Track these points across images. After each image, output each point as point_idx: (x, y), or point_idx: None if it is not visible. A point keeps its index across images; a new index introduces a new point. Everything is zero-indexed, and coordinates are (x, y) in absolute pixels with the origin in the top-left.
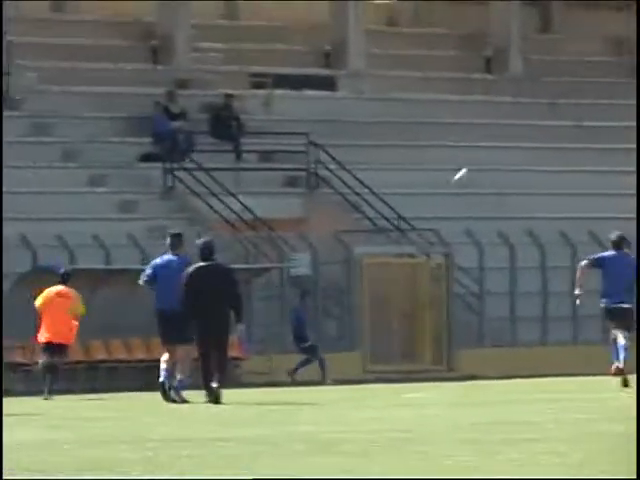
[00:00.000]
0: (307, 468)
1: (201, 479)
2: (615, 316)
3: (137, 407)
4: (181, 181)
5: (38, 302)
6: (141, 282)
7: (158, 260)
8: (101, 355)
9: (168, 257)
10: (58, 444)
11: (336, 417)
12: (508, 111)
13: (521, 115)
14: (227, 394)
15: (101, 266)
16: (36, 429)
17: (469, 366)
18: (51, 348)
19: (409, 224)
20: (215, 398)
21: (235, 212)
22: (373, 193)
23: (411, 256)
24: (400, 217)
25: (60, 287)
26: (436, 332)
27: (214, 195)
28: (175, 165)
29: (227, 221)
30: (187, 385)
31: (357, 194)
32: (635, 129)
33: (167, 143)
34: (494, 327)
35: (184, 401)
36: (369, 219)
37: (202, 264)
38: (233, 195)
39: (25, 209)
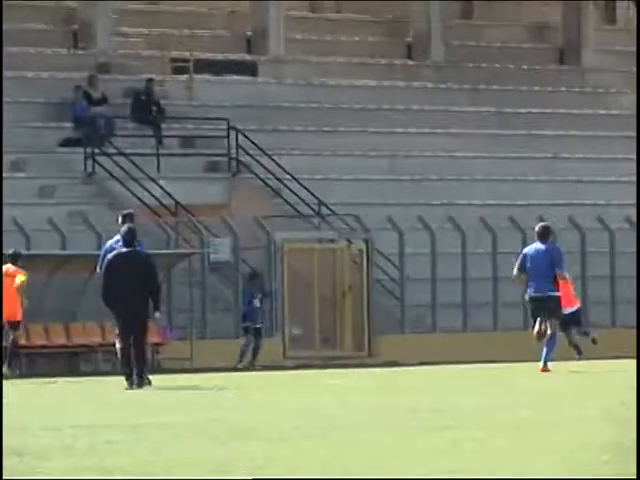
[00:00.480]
0: (227, 454)
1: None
2: (538, 306)
3: (75, 392)
4: (102, 166)
5: None
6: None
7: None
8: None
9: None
10: None
11: (257, 403)
12: (430, 97)
13: (442, 101)
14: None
15: (22, 251)
16: None
17: (390, 352)
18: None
19: (330, 210)
20: (138, 387)
21: (156, 197)
22: (294, 179)
23: (332, 241)
24: (321, 202)
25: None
26: (357, 318)
27: (135, 180)
28: (96, 150)
29: (148, 206)
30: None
31: (278, 179)
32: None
33: (88, 128)
34: (415, 313)
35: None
36: (290, 205)
37: (122, 251)
38: (154, 180)
39: None
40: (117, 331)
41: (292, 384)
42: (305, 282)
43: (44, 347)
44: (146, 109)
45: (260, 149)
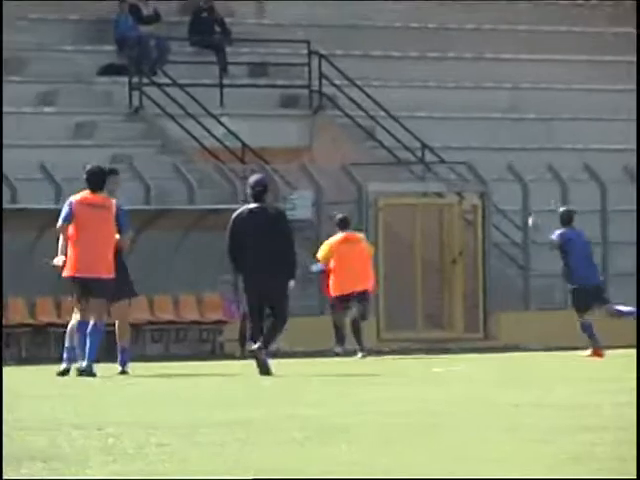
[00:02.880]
0: (307, 460)
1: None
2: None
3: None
4: (152, 100)
5: None
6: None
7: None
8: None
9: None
10: None
11: (345, 396)
12: (562, 15)
13: (579, 20)
14: (208, 367)
15: (51, 206)
16: None
17: (510, 334)
18: None
19: (436, 155)
20: (265, 370)
21: (218, 139)
22: (391, 116)
23: (439, 195)
24: (425, 146)
25: None
26: (469, 291)
27: (193, 117)
28: (144, 80)
29: (208, 150)
30: (131, 356)
31: (371, 117)
32: None
33: (134, 52)
34: (542, 286)
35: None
36: (386, 149)
37: (251, 207)
38: (216, 118)
39: None
40: (245, 304)
41: (388, 373)
42: (405, 246)
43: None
44: (207, 29)
45: (348, 79)
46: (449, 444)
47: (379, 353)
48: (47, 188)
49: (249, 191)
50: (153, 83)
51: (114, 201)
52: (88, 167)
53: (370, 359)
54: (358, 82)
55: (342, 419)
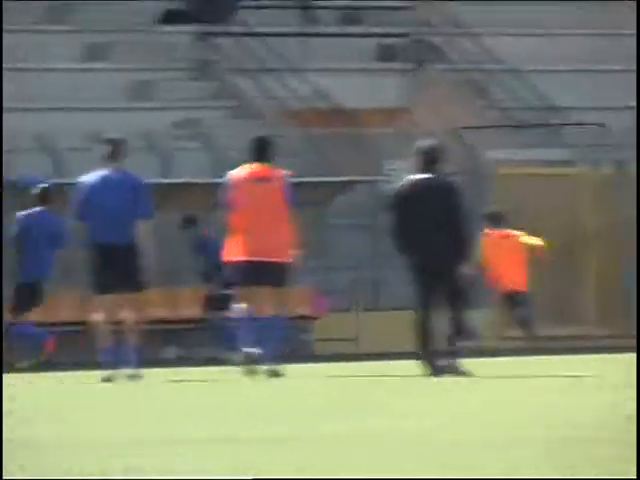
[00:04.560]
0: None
1: None
2: None
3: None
4: (223, 53)
5: None
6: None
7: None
8: None
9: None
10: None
11: (456, 405)
12: None
13: None
14: (293, 369)
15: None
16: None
17: None
18: None
19: (564, 116)
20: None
21: (303, 98)
22: (508, 70)
23: (568, 164)
24: (551, 107)
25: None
26: (605, 278)
27: (271, 72)
28: (214, 29)
29: (291, 111)
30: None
31: (485, 71)
32: None
33: None
34: None
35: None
36: (502, 109)
37: (419, 177)
38: (301, 73)
39: None
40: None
41: (507, 376)
42: (527, 223)
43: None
44: None
45: (457, 25)
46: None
47: (495, 353)
48: (98, 159)
49: (418, 159)
50: (225, 33)
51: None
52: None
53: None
54: (469, 29)
55: (450, 434)
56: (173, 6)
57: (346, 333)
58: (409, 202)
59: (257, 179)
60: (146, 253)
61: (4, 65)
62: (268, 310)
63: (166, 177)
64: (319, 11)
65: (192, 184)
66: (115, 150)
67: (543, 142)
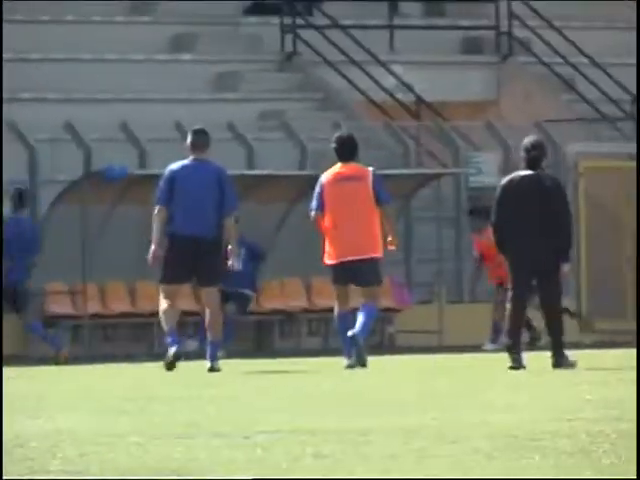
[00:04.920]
0: (494, 474)
1: None
2: None
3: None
4: (307, 44)
5: None
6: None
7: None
8: None
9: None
10: (117, 437)
11: (539, 398)
12: None
13: None
14: (377, 361)
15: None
16: (83, 413)
17: None
18: None
19: None
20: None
21: (388, 91)
22: (595, 64)
23: None
24: (636, 99)
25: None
26: None
27: (357, 65)
28: (299, 21)
29: (375, 103)
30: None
31: (571, 65)
32: None
33: None
34: None
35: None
36: (588, 103)
37: (523, 174)
38: (385, 66)
39: (70, 85)
40: (510, 289)
41: (592, 369)
42: (611, 218)
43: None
44: None
45: (544, 19)
46: None
47: (579, 346)
48: (182, 150)
49: (522, 155)
50: (310, 25)
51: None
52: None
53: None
54: (556, 23)
55: (536, 426)
56: None
57: (429, 325)
58: (511, 199)
59: (344, 179)
60: (232, 245)
61: (90, 57)
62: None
63: (251, 168)
64: (404, 3)
65: (276, 176)
66: (199, 141)
67: (628, 136)
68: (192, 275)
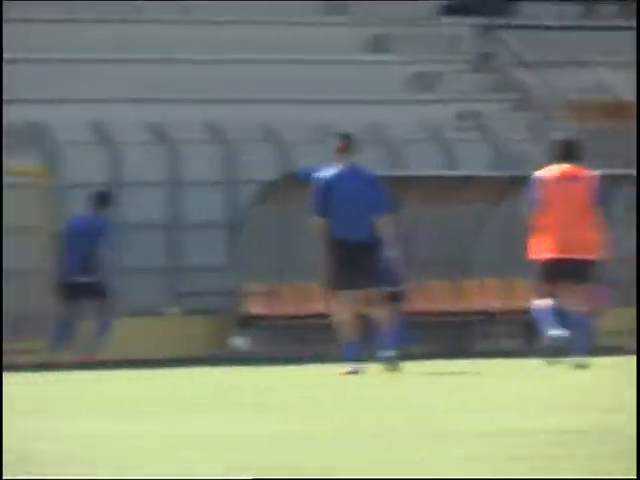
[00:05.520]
0: None
1: None
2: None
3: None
4: (505, 45)
5: None
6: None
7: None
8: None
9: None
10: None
11: None
12: None
13: None
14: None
15: (383, 171)
16: (263, 414)
17: None
18: None
19: None
20: None
21: (584, 91)
22: None
23: None
24: None
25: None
26: None
27: (555, 66)
28: (496, 21)
29: (574, 105)
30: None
31: None
32: None
33: None
34: None
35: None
36: None
37: None
38: (583, 66)
39: (268, 85)
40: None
41: None
42: None
43: (425, 314)
44: None
45: None
46: None
47: None
48: (380, 151)
49: None
50: (506, 25)
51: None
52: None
53: None
54: None
55: None
56: None
57: (628, 326)
58: None
59: (568, 179)
60: (391, 248)
61: (287, 57)
62: (572, 305)
63: (449, 169)
64: (600, 4)
65: (475, 177)
66: (347, 144)
67: None
68: (358, 279)
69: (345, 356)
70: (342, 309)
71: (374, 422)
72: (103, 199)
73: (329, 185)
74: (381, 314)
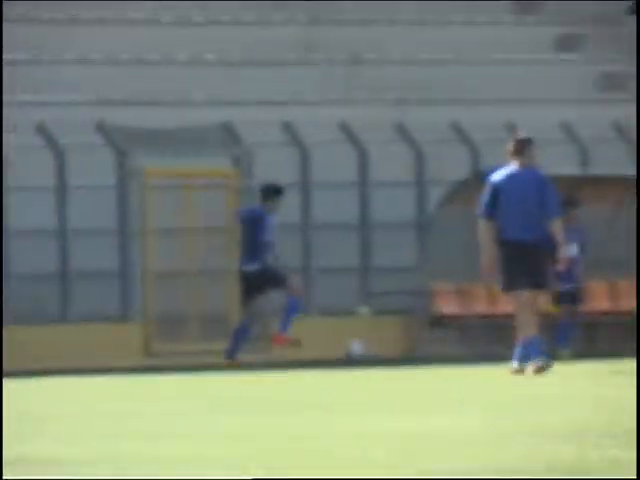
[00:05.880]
0: None
1: None
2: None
3: None
4: None
5: None
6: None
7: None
8: None
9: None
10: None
11: None
12: None
13: None
14: None
15: (574, 172)
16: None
17: None
18: None
19: None
20: None
21: None
22: None
23: None
24: None
25: None
26: None
27: None
28: None
29: None
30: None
31: None
32: None
33: None
34: None
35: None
36: None
37: None
38: None
39: (458, 85)
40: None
41: None
42: None
43: (606, 313)
44: None
45: None
46: None
47: None
48: (570, 150)
49: None
50: None
51: None
52: None
53: None
54: None
55: None
56: None
57: None
58: None
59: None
60: (561, 250)
61: (475, 58)
62: None
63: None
64: None
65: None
66: (521, 147)
67: None
68: (528, 279)
69: (521, 354)
70: (517, 308)
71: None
72: (273, 192)
73: (498, 187)
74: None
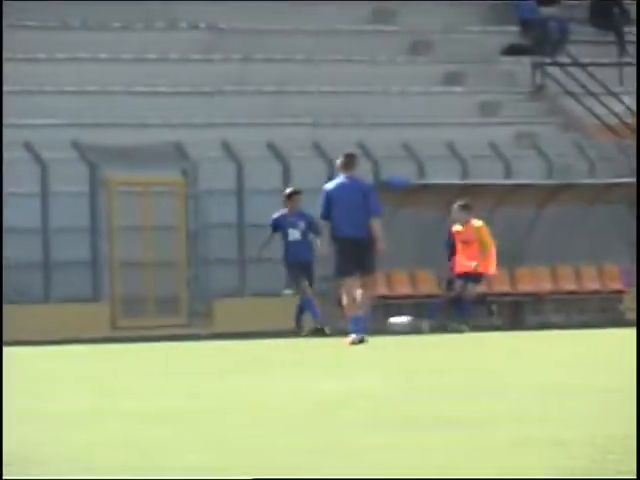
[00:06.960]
0: None
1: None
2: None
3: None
4: (553, 78)
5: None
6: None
7: (330, 186)
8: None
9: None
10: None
11: None
12: None
13: None
14: (608, 335)
15: (455, 181)
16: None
17: None
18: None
19: None
20: None
21: (618, 115)
22: None
23: None
24: None
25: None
26: None
27: (593, 96)
28: (546, 60)
29: (608, 126)
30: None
31: None
32: None
33: (536, 33)
34: None
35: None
36: None
37: None
38: (615, 96)
39: (364, 111)
40: None
41: None
42: None
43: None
44: (607, 11)
45: None
46: None
47: None
48: (453, 164)
49: None
50: (555, 63)
51: None
52: None
53: None
54: None
55: None
56: (513, 41)
57: None
58: None
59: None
60: (382, 244)
61: (378, 89)
62: None
63: (507, 179)
64: (629, 45)
65: (528, 185)
66: (348, 162)
67: None
68: (357, 267)
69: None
70: (345, 293)
71: None
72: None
73: (330, 194)
74: (370, 297)
